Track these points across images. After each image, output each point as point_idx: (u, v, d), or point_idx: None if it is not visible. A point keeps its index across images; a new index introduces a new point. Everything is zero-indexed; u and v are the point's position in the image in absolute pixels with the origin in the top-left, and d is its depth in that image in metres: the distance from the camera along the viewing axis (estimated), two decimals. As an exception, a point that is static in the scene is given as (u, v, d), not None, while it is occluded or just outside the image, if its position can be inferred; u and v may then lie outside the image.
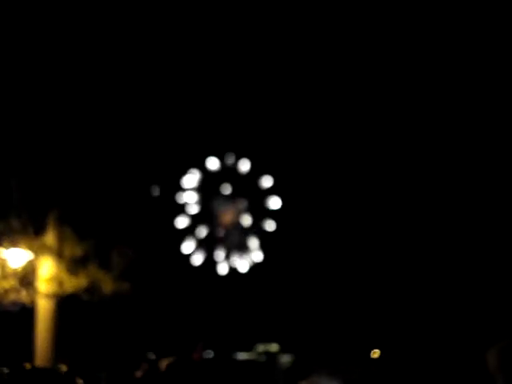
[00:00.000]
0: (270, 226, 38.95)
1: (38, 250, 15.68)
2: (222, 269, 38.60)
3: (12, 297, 15.23)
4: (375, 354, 27.09)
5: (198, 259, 37.85)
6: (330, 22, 28.33)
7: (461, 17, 26.27)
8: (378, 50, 28.91)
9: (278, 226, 38.99)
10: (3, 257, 15.28)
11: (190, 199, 38.16)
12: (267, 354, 34.39)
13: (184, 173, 37.43)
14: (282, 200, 38.77)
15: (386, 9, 27.26)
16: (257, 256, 39.27)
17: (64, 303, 16.47)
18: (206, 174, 38.47)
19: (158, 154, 23.33)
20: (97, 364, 17.84)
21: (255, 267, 39.13)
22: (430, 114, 29.56)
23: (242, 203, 39.27)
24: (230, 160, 38.32)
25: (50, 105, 16.62)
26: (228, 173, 38.75)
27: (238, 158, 38.24)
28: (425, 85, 29.01)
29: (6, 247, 15.27)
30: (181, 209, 37.80)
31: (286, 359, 31.36)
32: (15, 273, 15.26)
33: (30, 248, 15.52)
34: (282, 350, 34.18)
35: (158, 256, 27.53)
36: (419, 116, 29.91)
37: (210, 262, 38.09)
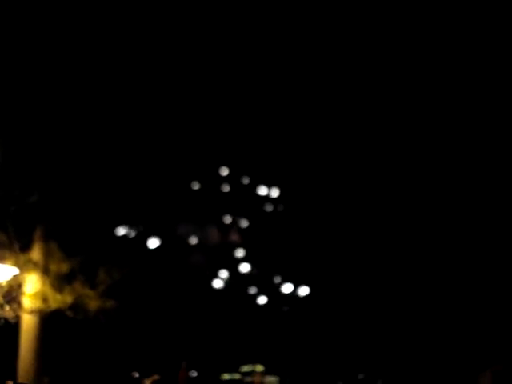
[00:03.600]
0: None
1: (24, 266, 15.56)
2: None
3: (-5, 312, 15.07)
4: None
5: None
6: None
7: (461, 17, 26.30)
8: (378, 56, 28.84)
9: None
10: (-13, 272, 15.12)
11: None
12: (253, 372, 34.16)
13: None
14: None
15: (385, 9, 27.25)
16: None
17: (49, 319, 16.35)
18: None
19: (147, 170, 23.36)
20: (81, 382, 17.70)
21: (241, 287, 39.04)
22: (431, 114, 29.46)
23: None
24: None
25: (39, 118, 16.63)
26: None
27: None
28: (425, 85, 28.94)
29: (-9, 262, 15.12)
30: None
31: (271, 380, 31.22)
32: (-1, 288, 15.12)
33: (16, 263, 15.39)
34: (267, 372, 33.98)
35: (145, 274, 27.42)
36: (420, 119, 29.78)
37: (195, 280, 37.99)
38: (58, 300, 15.62)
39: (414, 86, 29.27)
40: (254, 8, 27.94)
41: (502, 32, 25.53)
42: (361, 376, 29.94)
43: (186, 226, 38.33)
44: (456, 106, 28.90)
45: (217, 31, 27.79)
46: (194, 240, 38.68)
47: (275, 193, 39.22)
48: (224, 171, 38.80)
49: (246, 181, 38.90)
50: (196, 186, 38.14)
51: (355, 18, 28.47)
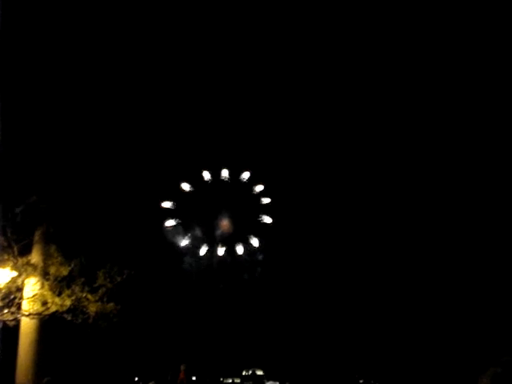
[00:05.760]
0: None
1: (23, 269, 15.49)
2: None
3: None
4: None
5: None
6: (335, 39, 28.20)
7: (461, 17, 26.21)
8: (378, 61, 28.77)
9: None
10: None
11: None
12: (253, 376, 34.12)
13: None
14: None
15: (385, 10, 27.16)
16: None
17: (48, 322, 16.26)
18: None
19: (143, 172, 23.33)
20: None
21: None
22: (430, 114, 29.37)
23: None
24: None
25: (36, 123, 16.62)
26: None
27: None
28: (425, 86, 28.83)
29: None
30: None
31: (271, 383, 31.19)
32: (-2, 291, 15.03)
33: (15, 266, 15.32)
34: (266, 376, 33.94)
35: (146, 277, 27.31)
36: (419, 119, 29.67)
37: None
38: (57, 303, 15.53)
39: (413, 86, 29.23)
40: (254, 8, 27.92)
41: (502, 32, 25.48)
42: (361, 380, 29.87)
43: (176, 228, 38.60)
44: (456, 106, 28.84)
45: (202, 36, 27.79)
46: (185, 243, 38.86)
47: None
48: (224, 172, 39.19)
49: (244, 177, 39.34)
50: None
51: (355, 18, 28.46)
